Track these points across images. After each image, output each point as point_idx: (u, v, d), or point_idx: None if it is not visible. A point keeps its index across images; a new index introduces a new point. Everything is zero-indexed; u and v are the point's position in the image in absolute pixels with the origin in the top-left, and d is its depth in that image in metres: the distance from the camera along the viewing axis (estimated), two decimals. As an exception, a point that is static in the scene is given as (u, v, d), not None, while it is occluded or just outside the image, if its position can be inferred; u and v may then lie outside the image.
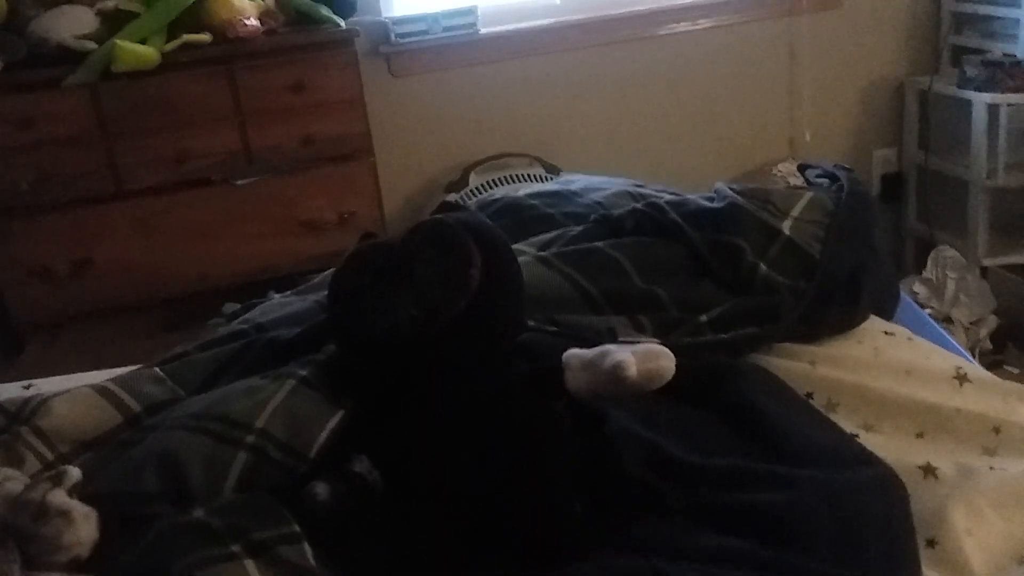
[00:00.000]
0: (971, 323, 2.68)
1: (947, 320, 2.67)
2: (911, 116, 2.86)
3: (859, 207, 1.24)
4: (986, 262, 2.68)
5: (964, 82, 2.59)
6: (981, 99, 2.52)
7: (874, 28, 2.82)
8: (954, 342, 2.11)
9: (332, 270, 0.99)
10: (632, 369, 0.82)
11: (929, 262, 2.71)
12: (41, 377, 1.42)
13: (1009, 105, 2.47)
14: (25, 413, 0.91)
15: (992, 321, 2.66)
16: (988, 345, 2.64)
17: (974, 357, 2.58)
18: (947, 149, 2.74)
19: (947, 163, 2.74)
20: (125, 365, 1.21)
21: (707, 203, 1.21)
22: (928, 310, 2.64)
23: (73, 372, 1.39)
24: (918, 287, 2.72)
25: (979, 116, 2.54)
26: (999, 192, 2.61)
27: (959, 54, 2.69)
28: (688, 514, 0.81)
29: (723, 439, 0.91)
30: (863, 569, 0.75)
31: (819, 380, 1.06)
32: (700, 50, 2.73)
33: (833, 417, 1.01)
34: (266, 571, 0.75)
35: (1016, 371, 2.54)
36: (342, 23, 2.21)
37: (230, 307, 1.93)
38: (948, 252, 2.69)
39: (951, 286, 2.69)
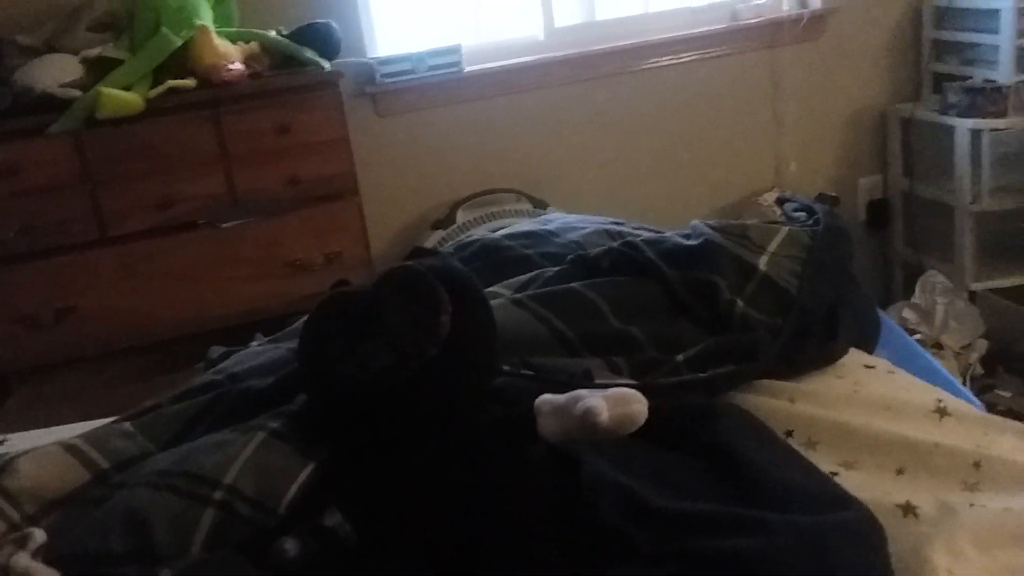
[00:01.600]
0: (961, 348, 2.67)
1: (937, 345, 2.66)
2: (895, 143, 2.88)
3: (836, 241, 1.24)
4: (974, 286, 2.68)
5: (946, 108, 2.61)
6: (964, 125, 2.54)
7: (855, 58, 2.85)
8: (941, 368, 2.11)
9: (304, 318, 0.98)
10: (603, 415, 0.81)
11: (918, 288, 2.71)
12: (26, 426, 1.41)
13: (991, 130, 2.50)
14: (-9, 473, 0.90)
15: (982, 345, 2.65)
16: (979, 369, 2.63)
17: (965, 382, 2.57)
18: (932, 175, 2.76)
19: (932, 189, 2.76)
20: (112, 410, 1.20)
21: (683, 240, 1.21)
22: (918, 336, 2.64)
23: (59, 420, 1.39)
24: (907, 313, 2.72)
25: (962, 142, 2.56)
26: (984, 216, 2.62)
27: (940, 81, 2.72)
28: (663, 560, 0.80)
29: (700, 482, 0.90)
30: (839, 616, 0.74)
31: (798, 417, 1.05)
32: (684, 83, 2.76)
33: (813, 455, 1.00)
34: (233, 631, 0.74)
35: (1008, 394, 2.53)
36: (327, 65, 2.23)
37: (216, 350, 1.93)
38: (936, 277, 2.70)
39: (940, 311, 2.69)
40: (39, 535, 0.78)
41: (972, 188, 2.58)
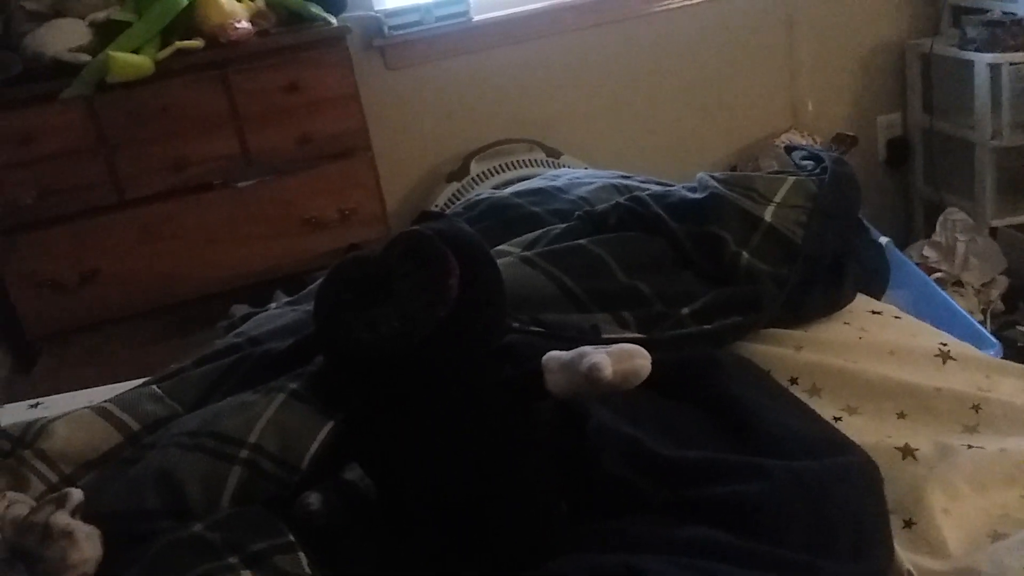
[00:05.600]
0: (982, 285, 2.66)
1: (958, 283, 2.66)
2: (914, 79, 2.83)
3: (843, 189, 1.24)
4: (995, 223, 2.66)
5: (965, 43, 2.56)
6: (983, 59, 2.49)
7: (871, -9, 2.79)
8: (959, 308, 2.11)
9: (318, 282, 1.01)
10: (607, 370, 0.83)
11: (938, 225, 2.70)
12: (55, 388, 1.47)
13: (1011, 64, 2.44)
14: (28, 437, 0.95)
15: (1003, 282, 2.64)
16: (1000, 306, 2.63)
17: (986, 319, 2.58)
18: (951, 111, 2.72)
19: (952, 125, 2.72)
20: (138, 371, 1.26)
21: (689, 194, 1.22)
22: (939, 274, 2.63)
23: (86, 381, 1.44)
24: (928, 251, 2.71)
25: (981, 77, 2.51)
26: (1004, 152, 2.59)
27: (959, 14, 2.65)
28: (667, 508, 0.83)
29: (703, 431, 0.93)
30: (834, 557, 0.77)
31: (804, 365, 1.08)
32: (697, 25, 2.72)
33: (817, 401, 1.03)
34: (262, 581, 0.78)
35: (1029, 330, 2.53)
36: (333, 20, 2.22)
37: (238, 308, 1.98)
38: (957, 215, 2.68)
39: (961, 248, 2.67)
40: (77, 494, 0.82)
41: (992, 124, 2.54)
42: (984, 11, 2.56)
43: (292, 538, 0.83)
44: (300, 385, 0.94)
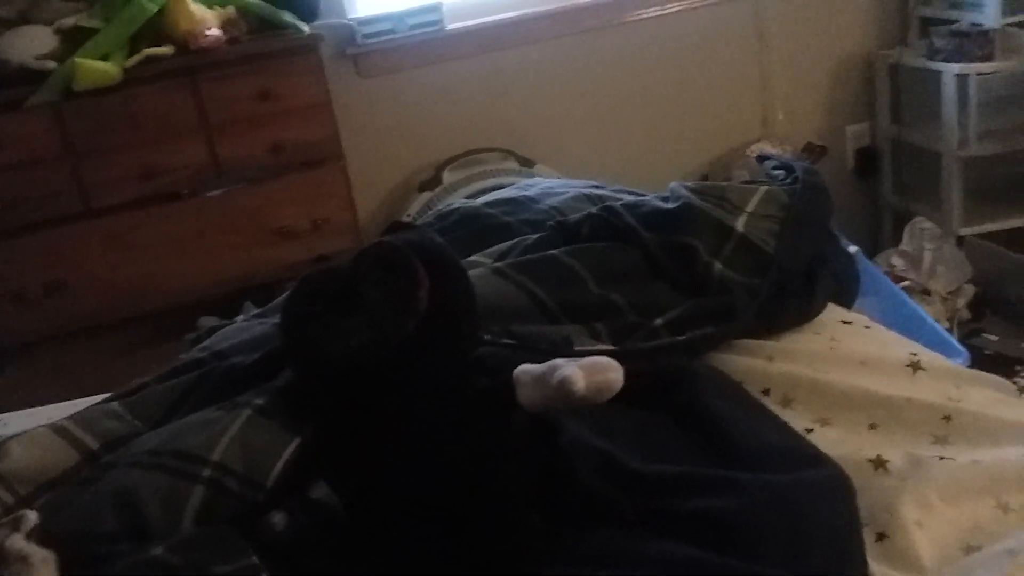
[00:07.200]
0: (949, 293, 2.69)
1: (925, 292, 2.68)
2: (882, 90, 2.86)
3: (814, 199, 1.25)
4: (962, 231, 2.69)
5: (933, 53, 2.60)
6: (950, 70, 2.52)
7: (841, 3, 2.82)
8: (927, 316, 2.12)
9: (286, 293, 0.99)
10: (579, 384, 0.82)
11: (906, 234, 2.73)
12: (20, 401, 1.44)
13: (978, 75, 2.48)
14: (-18, 458, 0.92)
15: (969, 290, 2.67)
16: (967, 314, 2.66)
17: (952, 327, 2.60)
18: (919, 121, 2.75)
19: (920, 135, 2.75)
20: (106, 384, 1.23)
21: (662, 204, 1.22)
22: (906, 282, 2.66)
23: (52, 394, 1.41)
24: (896, 260, 2.74)
25: (948, 87, 2.55)
26: (971, 161, 2.62)
27: (927, 25, 2.69)
28: (641, 523, 0.82)
29: (677, 444, 0.92)
30: (809, 570, 0.76)
31: (775, 376, 1.07)
32: (669, 35, 2.73)
33: (788, 413, 1.02)
34: (225, 604, 0.76)
35: (995, 338, 2.56)
36: (305, 28, 2.20)
37: (206, 321, 1.94)
38: (924, 223, 2.71)
39: (928, 257, 2.70)
40: (32, 516, 0.80)
41: (959, 133, 2.57)
42: (951, 22, 2.60)
43: (256, 560, 0.80)
44: (266, 401, 0.92)
